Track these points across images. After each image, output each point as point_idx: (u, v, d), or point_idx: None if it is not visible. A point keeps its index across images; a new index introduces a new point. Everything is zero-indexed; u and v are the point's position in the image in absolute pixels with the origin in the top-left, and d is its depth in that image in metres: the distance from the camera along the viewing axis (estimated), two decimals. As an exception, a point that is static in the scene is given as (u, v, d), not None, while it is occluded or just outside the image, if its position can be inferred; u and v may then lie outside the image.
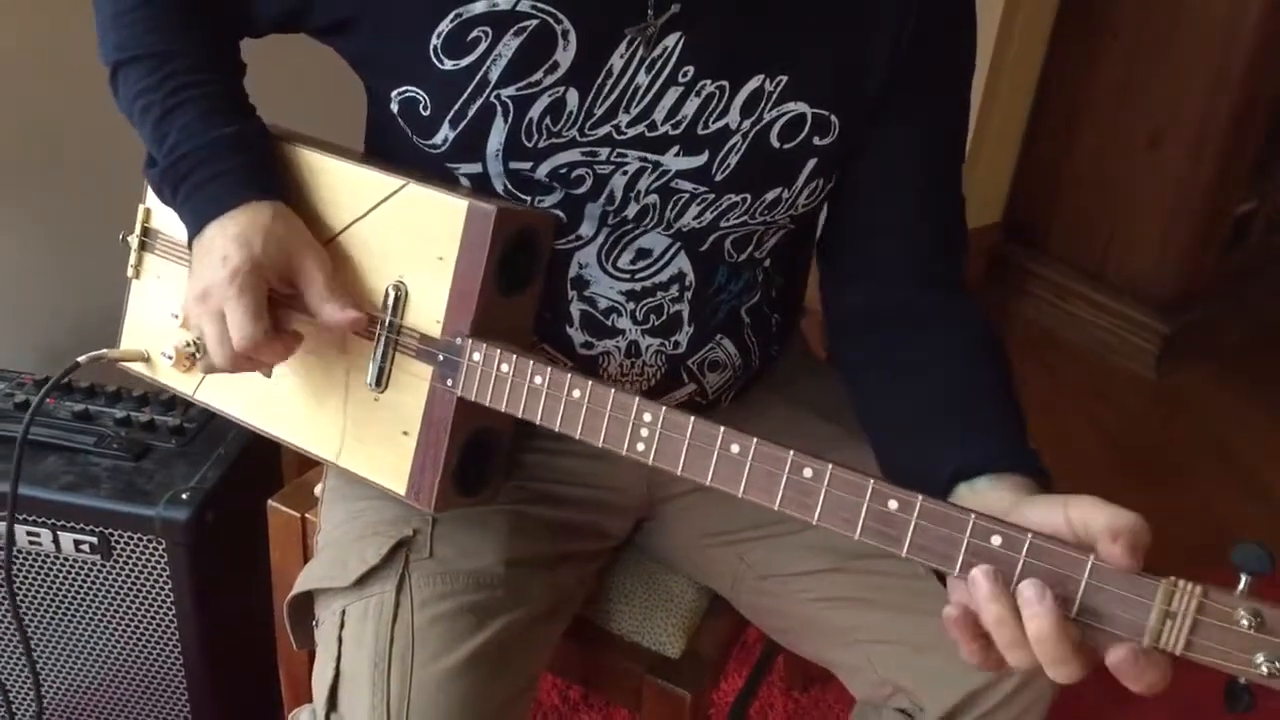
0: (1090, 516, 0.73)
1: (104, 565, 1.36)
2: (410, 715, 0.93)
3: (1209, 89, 2.43)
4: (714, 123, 0.95)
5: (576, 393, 0.87)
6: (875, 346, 1.02)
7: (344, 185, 0.99)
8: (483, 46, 0.92)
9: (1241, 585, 0.68)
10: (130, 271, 1.12)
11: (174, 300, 1.07)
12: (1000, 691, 1.01)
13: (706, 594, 1.21)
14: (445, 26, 0.92)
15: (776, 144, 0.96)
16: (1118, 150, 2.63)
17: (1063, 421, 2.55)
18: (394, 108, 0.97)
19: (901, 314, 1.01)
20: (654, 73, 0.93)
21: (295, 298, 0.95)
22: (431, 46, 0.93)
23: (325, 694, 0.97)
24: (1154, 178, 2.57)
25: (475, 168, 0.97)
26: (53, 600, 1.40)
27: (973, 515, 0.74)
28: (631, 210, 0.98)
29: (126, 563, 1.36)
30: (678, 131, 0.95)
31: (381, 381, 0.98)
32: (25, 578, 1.38)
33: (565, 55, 0.92)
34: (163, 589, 1.37)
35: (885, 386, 1.00)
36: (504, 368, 0.91)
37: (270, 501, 1.26)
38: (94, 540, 1.34)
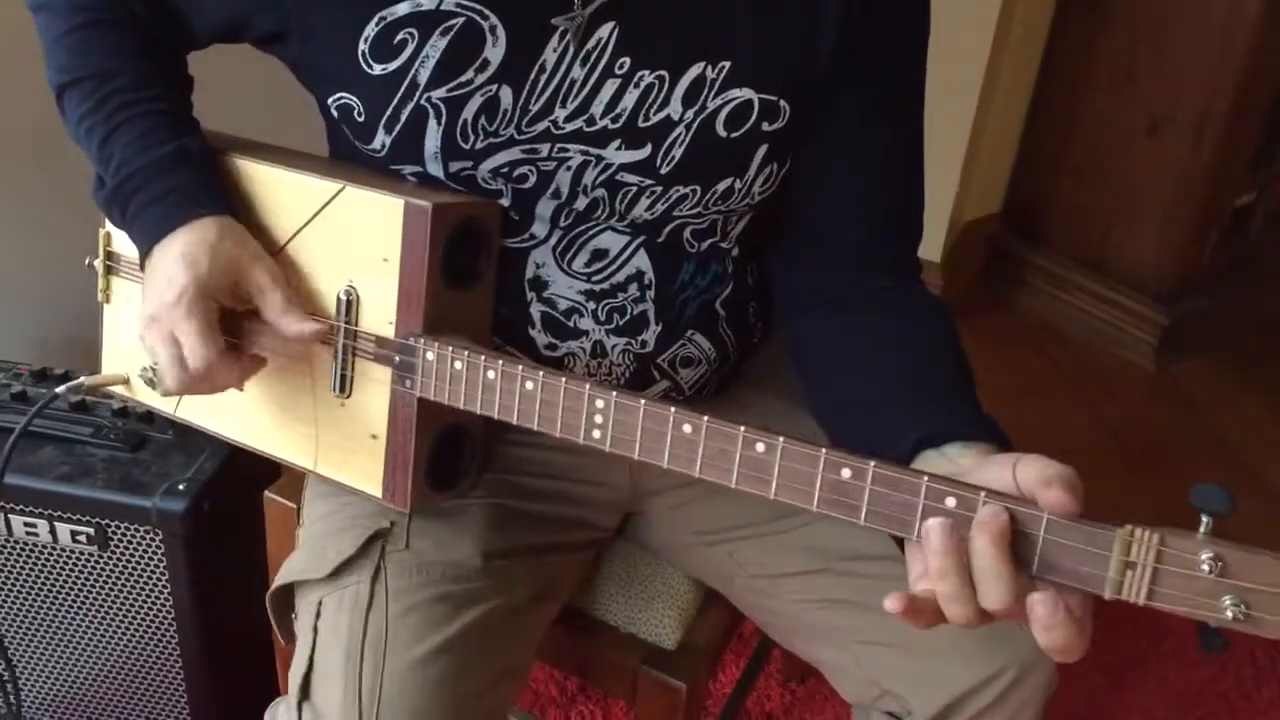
0: (1028, 471, 0.72)
1: (101, 556, 1.36)
2: (382, 704, 0.93)
3: (1209, 79, 2.43)
4: (655, 114, 0.93)
5: (529, 384, 0.87)
6: (823, 326, 1.01)
7: (286, 193, 0.98)
8: (410, 49, 0.91)
9: (1202, 528, 0.67)
10: (100, 296, 1.12)
11: None
12: (989, 694, 1.00)
13: (702, 586, 1.21)
14: (371, 30, 0.91)
15: (723, 133, 0.94)
16: (1117, 140, 2.62)
17: (1060, 412, 2.55)
18: (334, 114, 0.96)
19: (849, 295, 1.00)
20: (589, 65, 0.92)
21: (253, 313, 0.95)
22: (360, 52, 0.92)
23: (299, 684, 0.97)
24: (1153, 168, 2.57)
25: (418, 169, 0.96)
26: (49, 591, 1.40)
27: (925, 478, 0.74)
28: (581, 203, 0.97)
29: (123, 554, 1.36)
30: (618, 125, 0.93)
31: (345, 388, 0.98)
32: (22, 568, 1.39)
33: (495, 52, 0.91)
34: (159, 580, 1.37)
35: (835, 363, 1.00)
36: (457, 365, 0.90)
37: (266, 492, 1.25)
38: (91, 531, 1.34)
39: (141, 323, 0.93)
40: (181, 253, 0.91)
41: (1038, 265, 2.83)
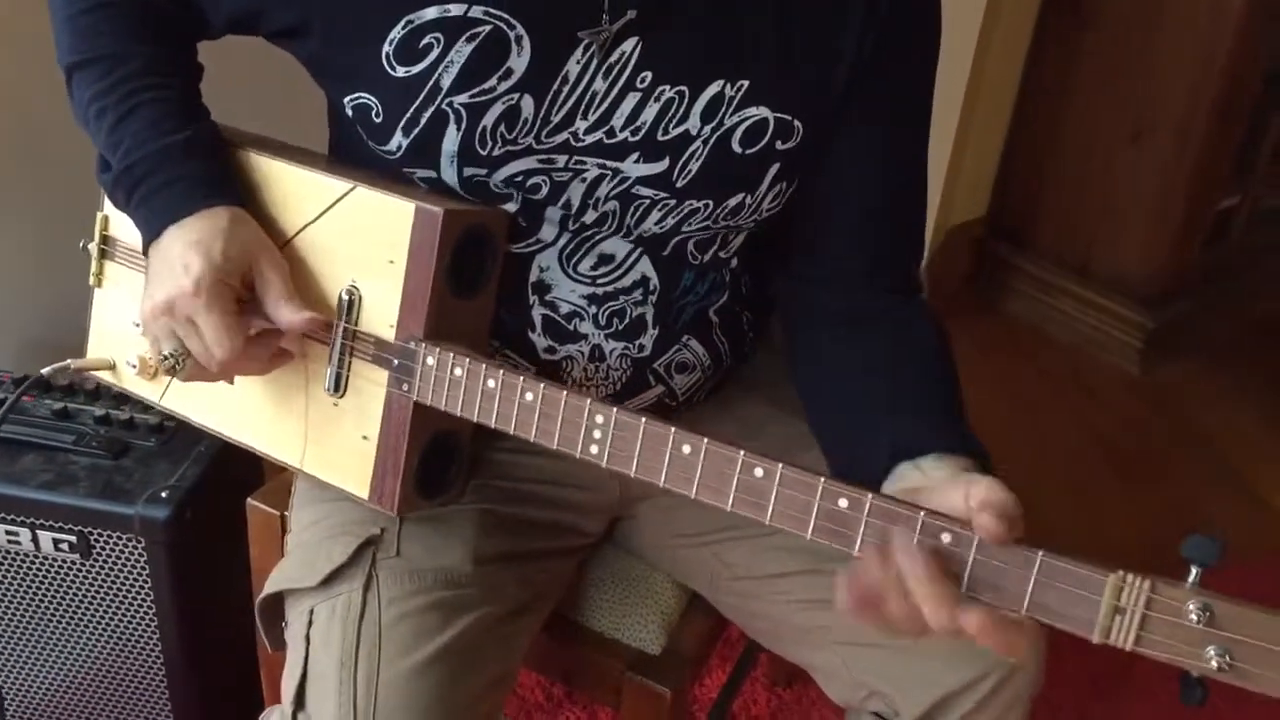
0: (975, 493, 0.74)
1: (83, 564, 1.36)
2: (377, 712, 0.93)
3: (1192, 84, 2.44)
4: (674, 129, 0.94)
5: (529, 396, 0.87)
6: (825, 343, 1.03)
7: (294, 190, 0.98)
8: (434, 53, 0.91)
9: (1192, 578, 0.68)
10: (92, 280, 1.12)
11: (136, 308, 1.06)
12: (977, 694, 1.01)
13: (687, 590, 1.21)
14: (397, 33, 0.91)
15: (738, 149, 0.95)
16: (1101, 146, 2.63)
17: (1046, 416, 2.55)
18: (348, 113, 0.96)
19: (852, 314, 1.02)
20: (611, 79, 0.92)
21: (254, 302, 0.95)
22: (384, 54, 0.92)
23: (293, 694, 0.97)
24: (1137, 173, 2.58)
25: (431, 173, 0.96)
26: (32, 600, 1.39)
27: (922, 513, 0.74)
28: (590, 216, 0.97)
29: (106, 562, 1.35)
30: (637, 138, 0.94)
31: (339, 387, 0.98)
32: (3, 577, 1.38)
33: (519, 62, 0.91)
34: (142, 588, 1.36)
35: (828, 377, 1.01)
36: (458, 371, 0.90)
37: (250, 500, 1.25)
38: (73, 539, 1.33)
39: (152, 308, 0.92)
40: (195, 240, 0.91)
41: (1023, 270, 2.83)
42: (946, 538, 0.74)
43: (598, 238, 0.99)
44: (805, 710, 1.76)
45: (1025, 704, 1.03)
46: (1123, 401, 2.63)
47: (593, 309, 1.01)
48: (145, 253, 0.95)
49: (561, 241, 0.99)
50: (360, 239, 0.95)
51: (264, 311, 0.94)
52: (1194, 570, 0.68)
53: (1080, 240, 2.74)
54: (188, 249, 0.90)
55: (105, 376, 1.11)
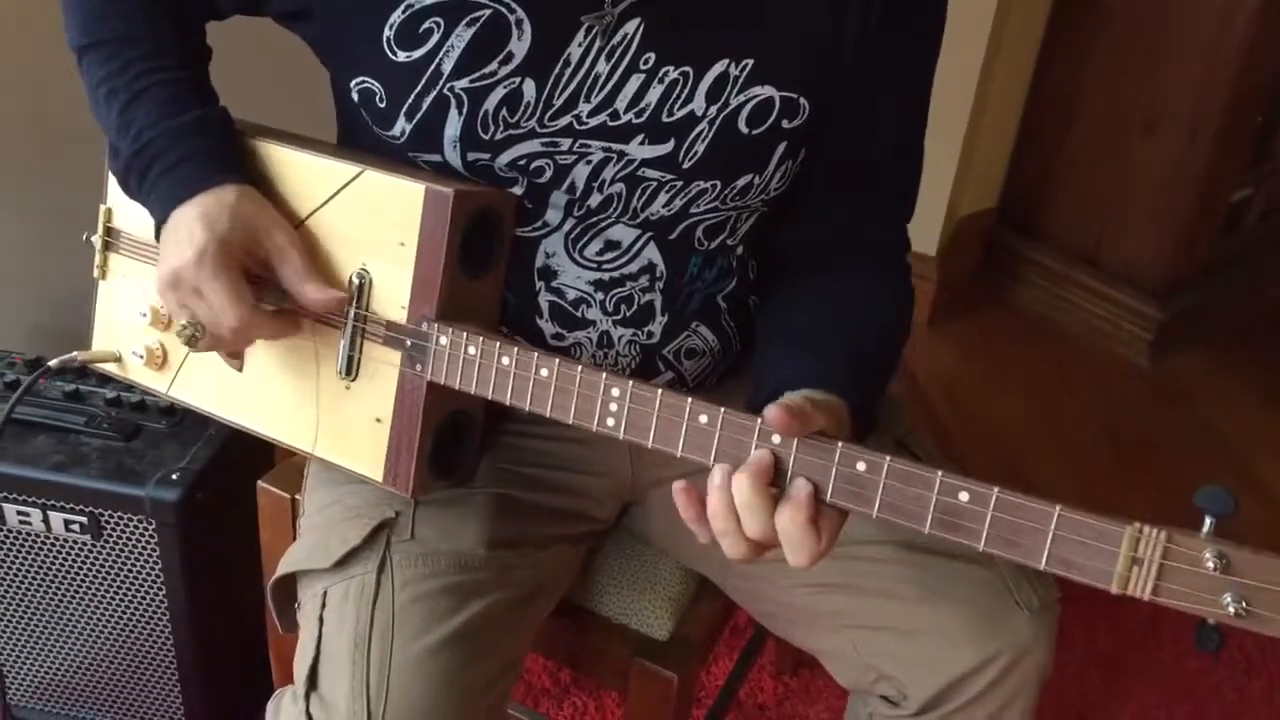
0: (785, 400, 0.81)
1: (94, 545, 1.36)
2: (390, 694, 0.93)
3: (1205, 74, 2.43)
4: (679, 110, 0.94)
5: (544, 371, 0.88)
6: (786, 282, 1.05)
7: (302, 175, 0.98)
8: (435, 38, 0.92)
9: (1206, 528, 0.69)
10: (96, 272, 1.12)
11: (142, 299, 1.08)
12: (984, 678, 1.01)
13: (695, 576, 1.21)
14: (397, 17, 0.91)
15: (745, 129, 0.95)
16: (1113, 136, 2.62)
17: (1056, 408, 2.55)
18: (354, 98, 0.96)
19: (824, 259, 1.04)
20: (614, 61, 0.92)
21: (268, 280, 0.95)
22: (385, 38, 0.92)
23: (306, 674, 0.98)
24: (1150, 164, 2.57)
25: (435, 158, 0.96)
26: (43, 580, 1.40)
27: (939, 474, 0.76)
28: (594, 200, 0.97)
29: (117, 543, 1.36)
30: (641, 120, 0.94)
31: (351, 370, 0.98)
32: (15, 557, 1.39)
33: (520, 46, 0.91)
34: (153, 569, 1.37)
35: (779, 309, 1.05)
36: (471, 350, 0.91)
37: (260, 482, 1.25)
38: (84, 520, 1.34)
39: (161, 281, 0.93)
40: (200, 213, 0.91)
41: (1034, 260, 2.83)
42: (964, 496, 0.75)
43: (604, 223, 0.99)
44: (811, 698, 1.77)
45: (1033, 689, 1.03)
46: (1132, 393, 2.63)
47: (600, 295, 1.01)
48: (158, 237, 0.95)
49: (567, 226, 0.99)
50: (370, 222, 0.95)
51: (281, 286, 0.95)
52: (1208, 520, 0.69)
53: (1091, 231, 2.73)
54: (195, 222, 0.91)
55: (111, 369, 1.12)
